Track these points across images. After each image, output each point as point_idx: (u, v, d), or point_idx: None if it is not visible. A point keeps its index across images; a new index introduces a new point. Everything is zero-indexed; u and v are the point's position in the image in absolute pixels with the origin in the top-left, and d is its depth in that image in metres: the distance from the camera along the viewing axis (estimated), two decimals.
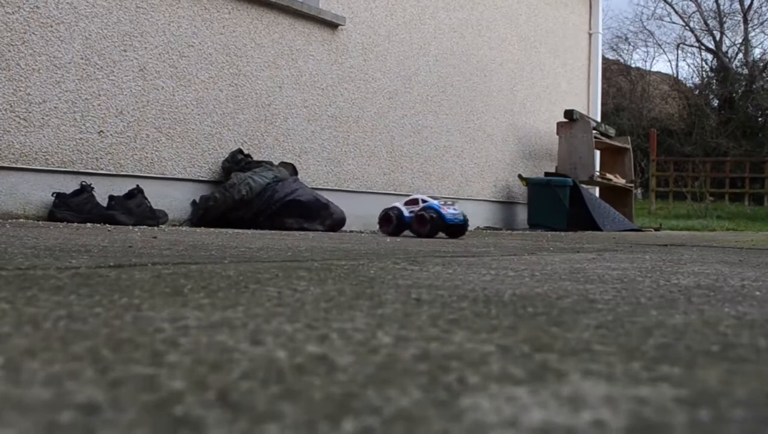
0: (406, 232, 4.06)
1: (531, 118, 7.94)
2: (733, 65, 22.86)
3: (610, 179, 8.14)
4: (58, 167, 3.93)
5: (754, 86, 21.67)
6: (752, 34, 23.92)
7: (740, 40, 23.28)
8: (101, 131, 4.13)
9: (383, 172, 6.02)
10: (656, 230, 8.30)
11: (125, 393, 0.53)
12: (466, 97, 6.99)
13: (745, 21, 23.10)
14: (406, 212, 4.00)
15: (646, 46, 34.92)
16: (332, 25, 5.53)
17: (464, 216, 3.99)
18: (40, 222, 3.65)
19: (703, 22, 23.93)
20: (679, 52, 27.91)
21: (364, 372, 0.62)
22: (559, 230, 6.56)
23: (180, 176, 4.53)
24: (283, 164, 4.85)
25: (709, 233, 7.84)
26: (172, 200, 4.46)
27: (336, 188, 5.50)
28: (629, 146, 8.70)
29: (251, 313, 0.93)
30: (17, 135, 3.77)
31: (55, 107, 3.92)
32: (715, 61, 23.44)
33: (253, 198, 4.44)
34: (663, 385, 0.60)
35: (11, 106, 3.75)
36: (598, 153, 8.51)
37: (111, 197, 3.97)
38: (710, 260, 2.49)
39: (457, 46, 6.86)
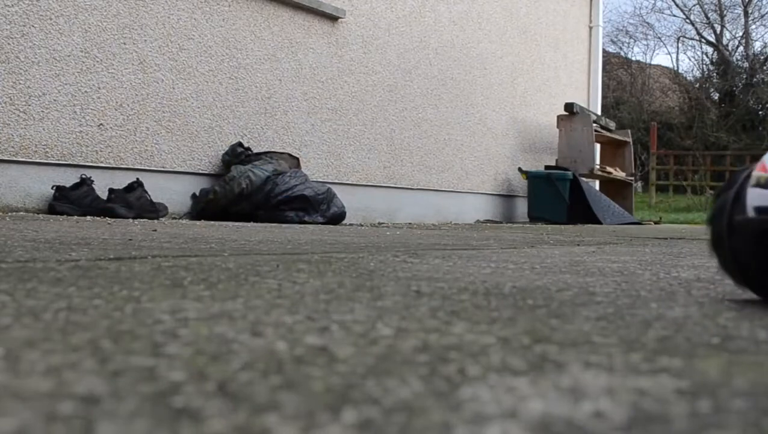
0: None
1: (531, 111, 7.93)
2: (734, 58, 22.82)
3: (610, 173, 8.14)
4: (58, 160, 3.93)
5: (755, 80, 21.62)
6: (753, 27, 23.90)
7: (741, 34, 23.23)
8: (101, 123, 4.12)
9: (383, 165, 6.01)
10: (656, 223, 8.30)
11: (125, 383, 0.52)
12: (466, 90, 6.98)
13: (746, 14, 23.04)
14: None
15: (647, 39, 34.83)
16: (332, 18, 5.51)
17: None
18: (40, 215, 3.65)
19: (703, 15, 23.88)
20: (680, 45, 27.86)
21: (364, 363, 0.62)
22: (559, 223, 6.56)
23: (180, 169, 4.52)
24: (287, 156, 4.84)
25: None
26: (172, 193, 4.46)
27: (336, 181, 5.49)
28: (629, 140, 8.69)
29: (251, 305, 0.93)
30: (17, 128, 3.77)
31: (54, 100, 3.91)
32: (715, 55, 23.39)
33: (253, 191, 4.44)
34: (663, 376, 0.60)
35: (11, 99, 3.75)
36: (598, 146, 8.51)
37: (111, 190, 3.97)
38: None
39: (457, 39, 6.84)
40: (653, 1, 34.32)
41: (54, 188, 3.84)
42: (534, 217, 7.04)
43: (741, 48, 23.12)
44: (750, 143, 19.27)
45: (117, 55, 4.20)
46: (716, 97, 22.36)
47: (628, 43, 33.72)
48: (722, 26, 23.25)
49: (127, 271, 1.27)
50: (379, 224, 5.38)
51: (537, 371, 0.61)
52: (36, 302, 0.89)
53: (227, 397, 0.50)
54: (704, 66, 24.15)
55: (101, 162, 4.12)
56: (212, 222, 3.96)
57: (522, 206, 7.57)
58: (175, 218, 4.30)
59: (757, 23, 28.64)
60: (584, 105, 8.57)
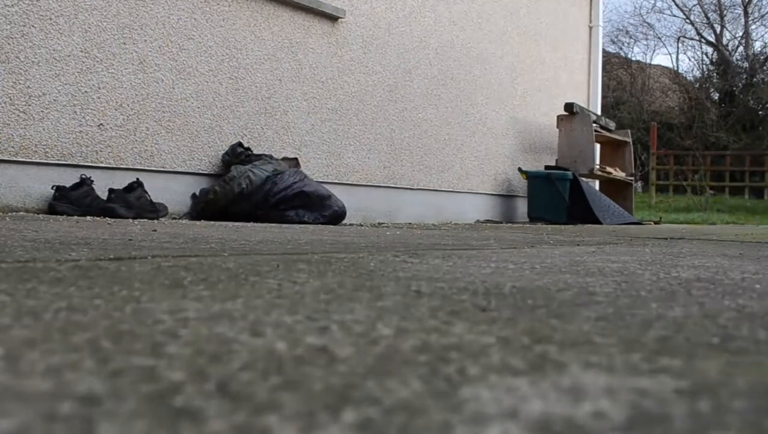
0: None
1: (531, 111, 7.93)
2: (734, 58, 22.82)
3: (610, 173, 8.14)
4: (58, 160, 3.93)
5: (755, 80, 21.63)
6: (753, 27, 23.92)
7: (741, 34, 23.24)
8: (101, 123, 4.12)
9: (383, 165, 6.01)
10: (656, 223, 8.30)
11: (125, 383, 0.52)
12: (466, 90, 6.98)
13: (746, 14, 23.05)
14: None
15: (647, 39, 34.85)
16: (332, 18, 5.51)
17: None
18: (40, 215, 3.65)
19: (703, 15, 23.90)
20: (680, 45, 27.88)
21: (364, 363, 0.62)
22: (559, 224, 6.56)
23: (180, 169, 4.52)
24: (285, 159, 4.84)
25: (709, 226, 7.84)
26: (172, 193, 4.46)
27: (336, 181, 5.50)
28: (629, 140, 8.69)
29: (251, 305, 0.93)
30: (17, 128, 3.77)
31: (54, 100, 3.91)
32: (715, 55, 23.40)
33: (253, 191, 4.44)
34: (663, 376, 0.60)
35: (11, 99, 3.75)
36: (598, 146, 8.51)
37: (111, 190, 3.97)
38: (710, 253, 2.49)
39: (457, 39, 6.84)
40: (653, 1, 34.37)
41: (54, 188, 3.84)
42: (534, 217, 7.04)
43: (741, 48, 23.13)
44: (750, 143, 19.28)
45: (117, 55, 4.20)
46: (716, 97, 22.36)
47: (628, 43, 33.76)
48: (722, 26, 23.25)
49: (127, 271, 1.27)
50: (379, 224, 5.38)
51: (537, 371, 0.61)
52: (36, 302, 0.89)
53: (227, 397, 0.50)
54: (704, 66, 24.16)
55: (101, 162, 4.12)
56: (212, 222, 3.96)
57: (522, 206, 7.57)
58: (175, 218, 4.30)
59: (757, 23, 28.65)
60: (584, 105, 8.57)
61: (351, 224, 4.82)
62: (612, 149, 8.68)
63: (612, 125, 8.81)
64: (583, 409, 0.50)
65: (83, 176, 3.91)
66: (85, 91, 4.05)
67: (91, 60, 4.08)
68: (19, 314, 0.80)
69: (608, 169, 8.16)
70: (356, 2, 5.73)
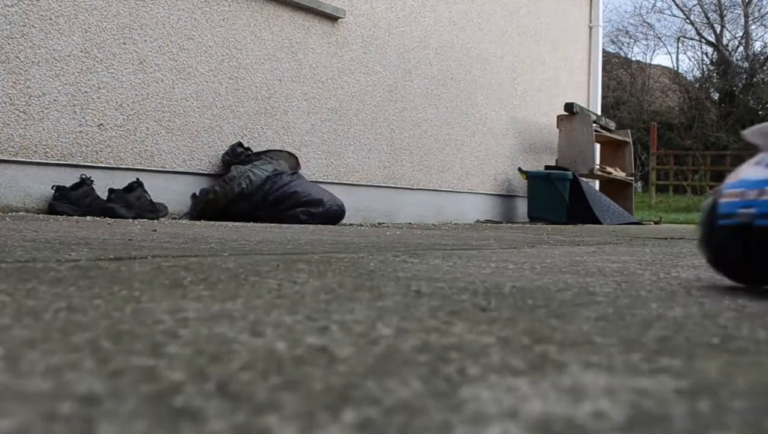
0: None
1: (531, 111, 7.93)
2: (734, 59, 22.82)
3: (610, 173, 8.14)
4: (58, 160, 3.93)
5: (755, 80, 21.63)
6: (752, 27, 23.90)
7: (741, 34, 23.24)
8: (101, 123, 4.12)
9: (383, 165, 6.01)
10: (656, 223, 8.30)
11: (125, 383, 0.52)
12: (467, 90, 6.97)
13: (746, 14, 23.05)
14: None
15: (647, 39, 34.84)
16: (332, 18, 5.51)
17: None
18: (40, 215, 3.65)
19: (703, 15, 23.89)
20: (680, 45, 27.87)
21: (364, 363, 0.62)
22: (559, 223, 6.56)
23: (180, 169, 4.52)
24: (286, 154, 4.84)
25: None
26: (172, 193, 4.46)
27: (336, 181, 5.49)
28: (629, 140, 8.69)
29: (251, 305, 0.93)
30: (17, 128, 3.77)
31: (54, 100, 3.91)
32: (715, 55, 23.39)
33: (253, 191, 4.44)
34: (663, 376, 0.60)
35: (11, 99, 3.74)
36: (598, 146, 8.51)
37: (111, 190, 3.97)
38: None
39: (457, 39, 6.84)
40: (653, 1, 34.35)
41: (54, 188, 3.84)
42: (534, 217, 7.04)
43: (741, 48, 23.13)
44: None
45: (117, 55, 4.19)
46: (716, 97, 22.36)
47: (628, 43, 33.74)
48: (722, 26, 23.25)
49: (127, 271, 1.27)
50: (379, 224, 5.38)
51: (537, 371, 0.61)
52: (36, 302, 0.89)
53: (227, 397, 0.50)
54: (704, 66, 24.15)
55: (101, 162, 4.12)
56: (212, 222, 3.96)
57: (522, 206, 7.57)
58: (175, 218, 4.30)
59: (757, 23, 28.61)
60: (584, 105, 8.57)
61: (351, 224, 4.82)
62: (612, 149, 8.68)
63: (612, 125, 8.81)
64: (583, 409, 0.50)
65: (83, 176, 3.91)
66: (85, 91, 4.05)
67: (91, 60, 4.08)
68: (19, 314, 0.80)
69: (608, 169, 8.16)
70: (356, 2, 5.73)
